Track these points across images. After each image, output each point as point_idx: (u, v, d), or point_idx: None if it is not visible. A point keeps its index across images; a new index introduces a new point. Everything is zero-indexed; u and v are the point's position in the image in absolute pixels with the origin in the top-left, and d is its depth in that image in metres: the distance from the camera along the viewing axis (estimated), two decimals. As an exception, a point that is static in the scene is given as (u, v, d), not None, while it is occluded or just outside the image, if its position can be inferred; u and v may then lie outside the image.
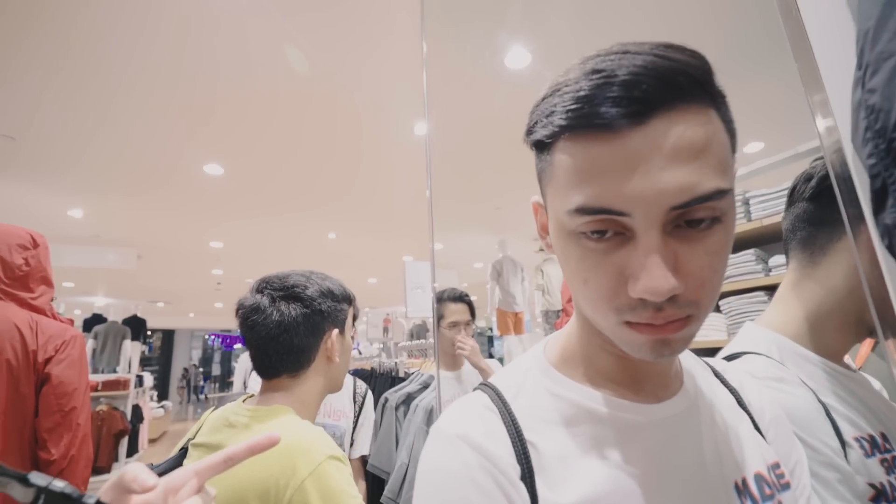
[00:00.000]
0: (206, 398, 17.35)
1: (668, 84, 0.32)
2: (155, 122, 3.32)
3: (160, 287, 9.24)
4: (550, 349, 0.50)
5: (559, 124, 0.34)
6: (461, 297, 1.82)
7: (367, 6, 2.28)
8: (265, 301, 0.89)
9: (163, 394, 14.00)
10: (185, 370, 17.09)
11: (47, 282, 1.63)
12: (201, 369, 19.19)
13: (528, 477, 0.39)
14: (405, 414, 1.85)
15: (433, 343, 1.65)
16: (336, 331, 0.92)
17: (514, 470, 0.39)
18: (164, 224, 5.54)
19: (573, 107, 0.33)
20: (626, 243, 0.34)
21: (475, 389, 0.49)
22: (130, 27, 2.38)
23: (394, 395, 1.86)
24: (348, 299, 0.97)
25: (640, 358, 0.38)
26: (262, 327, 0.87)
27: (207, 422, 0.92)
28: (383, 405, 1.88)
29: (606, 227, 0.34)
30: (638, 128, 0.32)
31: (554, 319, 5.27)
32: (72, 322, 1.64)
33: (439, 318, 1.72)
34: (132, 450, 5.56)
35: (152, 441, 7.51)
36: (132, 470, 0.43)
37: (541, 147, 0.38)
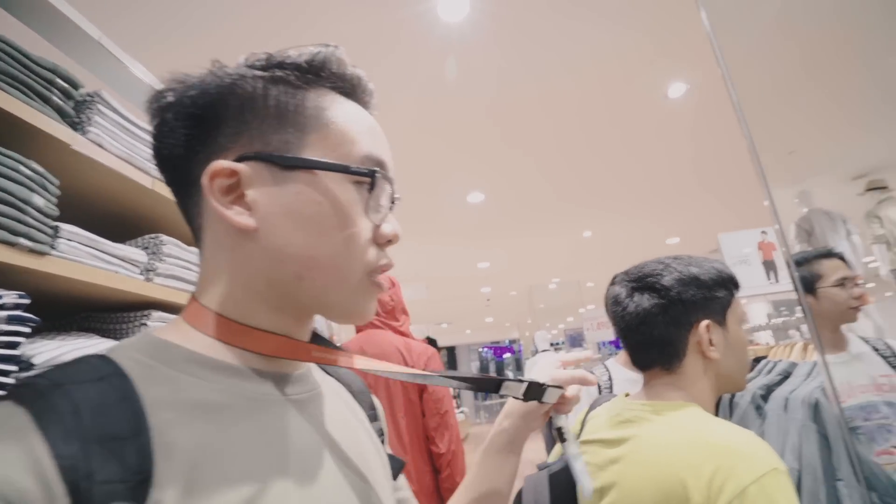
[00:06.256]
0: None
1: None
2: (427, 174, 3.95)
3: (443, 310, 10.84)
4: None
5: None
6: (831, 253, 1.50)
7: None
8: (623, 292, 0.86)
9: (459, 402, 16.20)
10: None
11: (405, 312, 2.04)
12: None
13: None
14: (758, 410, 1.55)
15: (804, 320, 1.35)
16: (707, 322, 0.80)
17: None
18: (442, 257, 6.50)
19: None
20: None
21: None
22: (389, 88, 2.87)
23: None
24: (725, 284, 0.83)
25: None
26: (621, 319, 0.86)
27: (590, 421, 0.93)
28: (730, 402, 1.63)
29: None
30: None
31: (916, 279, 3.83)
32: (427, 341, 2.00)
33: (814, 281, 1.42)
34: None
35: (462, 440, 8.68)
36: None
37: None
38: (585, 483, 0.57)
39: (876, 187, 4.09)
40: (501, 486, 0.60)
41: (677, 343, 0.81)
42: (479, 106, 3.16)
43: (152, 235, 1.08)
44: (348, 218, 0.40)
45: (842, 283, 1.40)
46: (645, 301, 0.82)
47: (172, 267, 1.09)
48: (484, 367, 22.44)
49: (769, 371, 1.61)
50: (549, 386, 0.57)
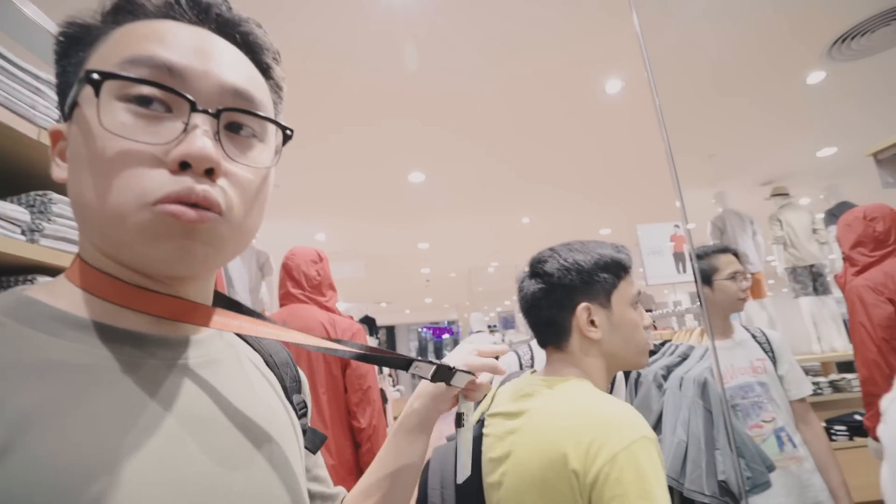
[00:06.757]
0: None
1: None
2: (371, 158, 3.87)
3: (382, 289, 10.78)
4: None
5: None
6: (727, 249, 1.65)
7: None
8: (522, 277, 0.94)
9: (396, 380, 16.34)
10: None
11: (332, 288, 2.00)
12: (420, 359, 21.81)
13: None
14: (660, 388, 1.70)
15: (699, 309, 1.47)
16: (585, 304, 0.85)
17: None
18: (382, 235, 6.43)
19: None
20: None
21: None
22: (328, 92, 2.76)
23: (646, 368, 1.72)
24: (609, 268, 0.88)
25: None
26: (520, 302, 0.94)
27: (498, 395, 0.98)
28: (636, 380, 1.77)
29: None
30: None
31: (805, 277, 4.30)
32: (352, 318, 1.98)
33: (711, 273, 1.55)
34: (386, 426, 6.63)
35: (395, 418, 8.81)
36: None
37: None
38: (461, 471, 0.60)
39: (779, 193, 4.52)
40: (412, 465, 0.61)
41: (562, 324, 0.87)
42: (422, 87, 3.12)
43: (39, 193, 0.98)
44: (105, 142, 0.35)
45: (733, 276, 1.55)
46: (533, 285, 0.89)
47: (64, 228, 1.00)
48: (423, 347, 22.64)
49: (671, 353, 1.76)
50: (458, 370, 0.58)
